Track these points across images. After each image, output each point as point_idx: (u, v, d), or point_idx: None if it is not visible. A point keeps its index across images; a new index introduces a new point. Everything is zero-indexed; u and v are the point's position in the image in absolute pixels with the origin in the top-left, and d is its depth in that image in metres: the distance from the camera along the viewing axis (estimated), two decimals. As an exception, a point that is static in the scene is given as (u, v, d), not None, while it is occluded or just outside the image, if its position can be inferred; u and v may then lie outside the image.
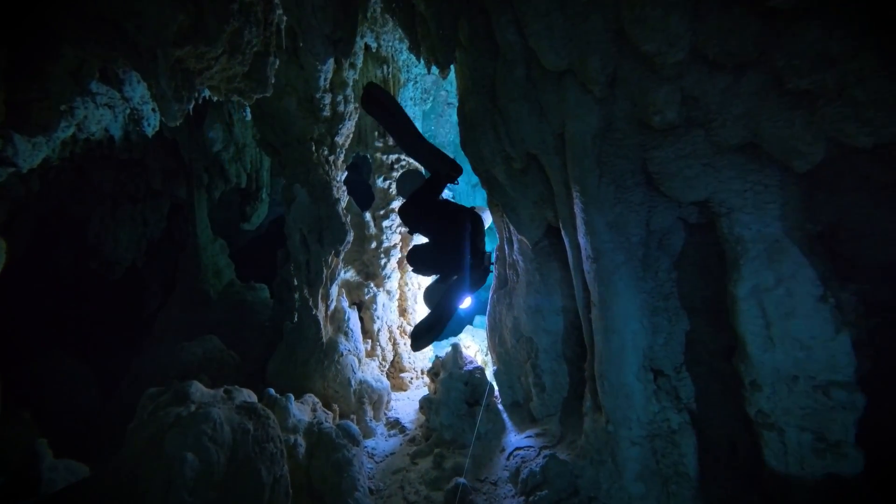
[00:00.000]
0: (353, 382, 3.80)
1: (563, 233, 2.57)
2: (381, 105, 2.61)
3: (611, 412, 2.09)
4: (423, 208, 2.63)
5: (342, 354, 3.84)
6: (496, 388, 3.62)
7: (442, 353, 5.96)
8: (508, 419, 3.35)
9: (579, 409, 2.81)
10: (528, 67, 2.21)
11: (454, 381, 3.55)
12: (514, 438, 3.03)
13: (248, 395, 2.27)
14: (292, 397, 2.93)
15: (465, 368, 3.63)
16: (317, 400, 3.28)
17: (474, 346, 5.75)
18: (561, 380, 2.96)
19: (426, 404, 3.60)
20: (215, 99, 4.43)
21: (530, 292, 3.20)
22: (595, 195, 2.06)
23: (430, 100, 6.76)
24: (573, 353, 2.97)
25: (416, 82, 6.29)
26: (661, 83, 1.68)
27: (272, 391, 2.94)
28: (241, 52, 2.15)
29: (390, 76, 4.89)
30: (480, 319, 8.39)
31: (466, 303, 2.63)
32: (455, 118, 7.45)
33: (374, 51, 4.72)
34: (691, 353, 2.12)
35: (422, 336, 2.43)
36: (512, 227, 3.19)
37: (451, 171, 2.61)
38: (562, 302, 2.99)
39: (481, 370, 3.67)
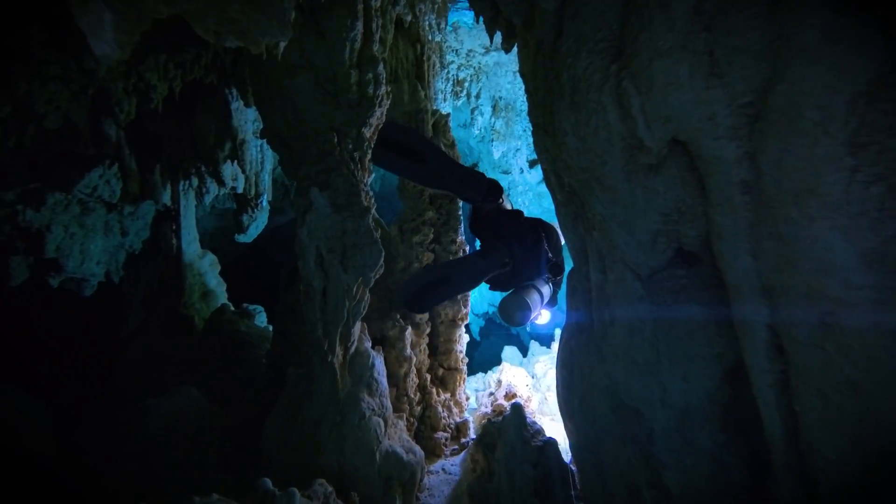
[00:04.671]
0: (377, 455, 2.97)
1: (724, 263, 1.76)
2: (399, 147, 2.60)
3: None
4: (491, 221, 2.61)
5: (364, 416, 3.02)
6: (574, 473, 2.77)
7: (479, 397, 5.10)
8: (602, 525, 2.47)
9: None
10: (700, -4, 1.45)
11: (519, 461, 2.71)
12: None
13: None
14: (297, 495, 2.10)
15: (533, 443, 2.78)
16: (329, 489, 2.45)
17: (523, 389, 4.86)
18: (699, 484, 2.09)
19: (479, 493, 2.75)
20: (207, 81, 3.76)
21: (637, 343, 2.36)
22: (836, 204, 1.26)
23: (464, 95, 6.11)
24: (713, 443, 2.11)
25: (449, 71, 5.65)
26: None
27: (268, 484, 2.12)
28: (239, -49, 1.43)
29: (424, 59, 4.20)
30: (511, 351, 7.50)
31: (545, 318, 2.68)
32: (485, 122, 6.76)
33: (406, 27, 4.04)
34: None
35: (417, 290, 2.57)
36: (613, 248, 2.39)
37: (486, 198, 2.63)
38: (695, 363, 2.15)
39: (555, 446, 2.83)
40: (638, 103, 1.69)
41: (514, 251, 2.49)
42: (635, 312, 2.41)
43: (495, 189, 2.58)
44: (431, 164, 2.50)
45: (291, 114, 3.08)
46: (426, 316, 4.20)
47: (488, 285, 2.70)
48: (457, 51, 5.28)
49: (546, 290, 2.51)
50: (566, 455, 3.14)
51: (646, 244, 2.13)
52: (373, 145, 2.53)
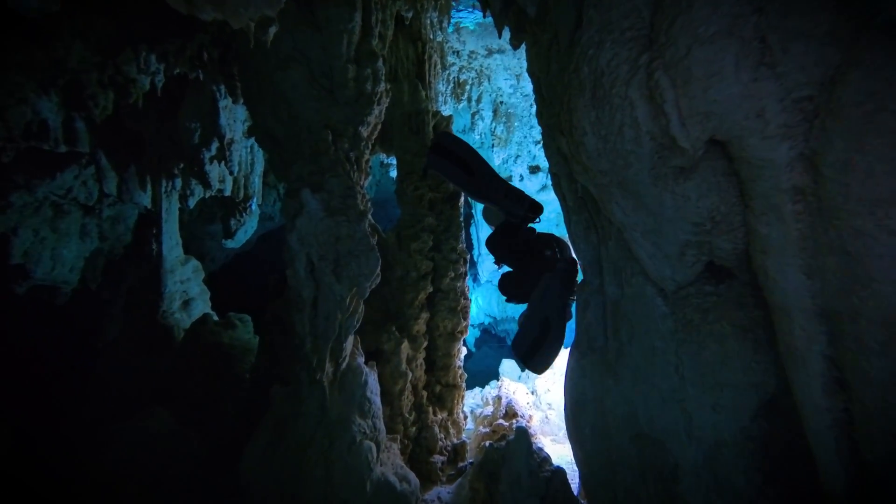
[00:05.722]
0: (368, 485, 2.71)
1: (768, 280, 1.56)
2: (452, 155, 2.74)
3: None
4: (509, 240, 2.67)
5: (355, 440, 2.77)
6: (587, 505, 2.53)
7: (476, 415, 4.83)
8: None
9: None
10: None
11: (525, 495, 2.47)
12: None
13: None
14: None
15: (541, 474, 2.54)
16: (316, 528, 2.18)
17: (524, 407, 4.61)
18: (736, 529, 1.86)
19: (482, 530, 2.50)
20: (192, 76, 3.55)
21: (659, 365, 2.15)
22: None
23: (464, 98, 5.95)
24: (748, 484, 1.88)
25: (450, 73, 5.49)
26: None
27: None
28: None
29: (426, 58, 4.03)
30: (510, 365, 7.27)
31: None
32: (485, 127, 6.62)
33: (406, 24, 3.88)
34: None
35: (535, 353, 2.47)
36: (632, 260, 2.19)
37: (528, 213, 2.69)
38: (727, 392, 1.93)
39: (564, 477, 2.59)
40: (672, 97, 1.50)
41: (529, 267, 2.57)
42: (657, 331, 2.20)
43: (536, 208, 2.69)
44: (479, 175, 2.67)
45: (283, 110, 2.87)
46: (423, 328, 3.97)
47: (504, 297, 2.79)
48: (458, 52, 5.14)
49: (565, 314, 2.48)
50: (572, 482, 2.90)
51: (672, 256, 1.93)
52: (434, 153, 2.85)
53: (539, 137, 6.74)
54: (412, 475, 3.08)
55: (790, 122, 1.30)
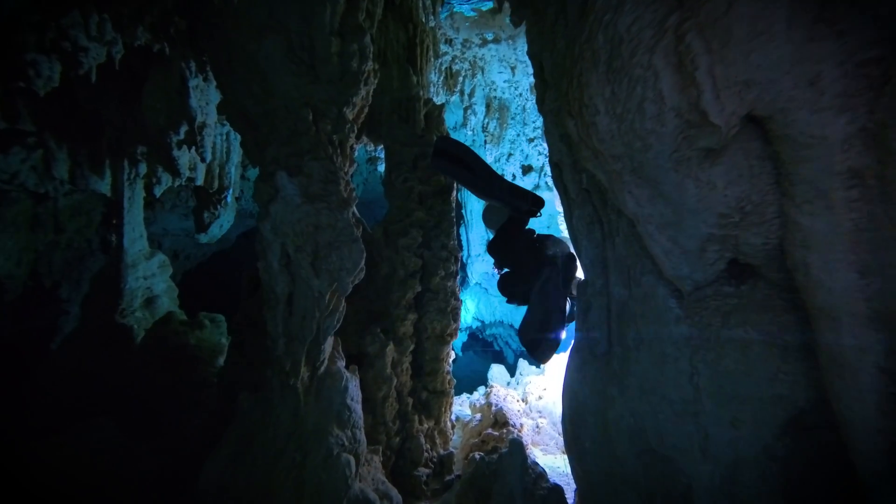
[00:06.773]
0: (345, 503, 2.42)
1: (809, 279, 1.37)
2: (453, 157, 2.87)
3: None
4: (511, 241, 2.69)
5: (332, 453, 2.50)
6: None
7: (464, 422, 4.59)
8: None
9: None
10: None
11: (521, 515, 2.22)
12: None
13: None
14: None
15: (536, 492, 2.30)
16: (282, 559, 1.90)
17: (515, 416, 4.39)
18: (760, 560, 1.65)
19: (472, 556, 2.25)
20: (155, 49, 3.20)
21: (670, 374, 1.95)
22: None
23: (457, 91, 5.73)
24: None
25: (442, 63, 5.26)
26: None
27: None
28: None
29: (417, 42, 3.79)
30: (499, 370, 7.06)
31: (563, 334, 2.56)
32: (478, 122, 6.41)
33: (397, 3, 3.64)
34: None
35: (540, 340, 2.45)
36: (642, 258, 1.99)
37: (532, 207, 2.76)
38: (748, 406, 1.74)
39: (560, 495, 2.37)
40: (706, 64, 1.29)
41: (531, 267, 2.56)
42: (669, 336, 2.00)
43: (538, 201, 2.76)
44: (480, 174, 2.81)
45: (257, 85, 2.59)
46: (410, 330, 3.71)
47: (505, 298, 2.79)
48: (451, 41, 4.92)
49: (566, 305, 2.33)
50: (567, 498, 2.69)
51: (692, 252, 1.73)
52: (436, 157, 2.99)
53: (532, 135, 6.56)
54: (394, 491, 2.81)
55: (851, 89, 1.11)
